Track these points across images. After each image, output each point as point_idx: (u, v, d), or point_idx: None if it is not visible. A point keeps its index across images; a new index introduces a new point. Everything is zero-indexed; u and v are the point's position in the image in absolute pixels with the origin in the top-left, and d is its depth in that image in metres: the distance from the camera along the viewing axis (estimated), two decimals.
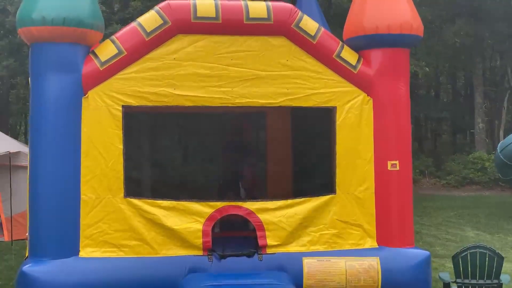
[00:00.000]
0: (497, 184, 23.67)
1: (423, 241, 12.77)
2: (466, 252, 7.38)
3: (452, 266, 7.48)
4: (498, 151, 16.64)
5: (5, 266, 10.58)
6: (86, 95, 6.88)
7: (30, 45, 6.95)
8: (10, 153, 12.58)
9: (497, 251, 7.41)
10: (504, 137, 20.94)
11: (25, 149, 12.69)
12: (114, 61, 6.88)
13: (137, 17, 7.22)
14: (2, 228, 13.40)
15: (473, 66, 28.71)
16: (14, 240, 11.70)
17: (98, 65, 6.87)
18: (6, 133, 19.38)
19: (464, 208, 18.33)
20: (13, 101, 27.45)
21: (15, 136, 28.54)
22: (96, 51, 6.98)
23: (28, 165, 7.08)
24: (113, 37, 7.08)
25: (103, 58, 6.88)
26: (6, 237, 13.00)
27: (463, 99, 35.28)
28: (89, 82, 6.87)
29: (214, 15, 7.00)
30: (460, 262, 7.37)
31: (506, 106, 29.65)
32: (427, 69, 23.39)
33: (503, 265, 7.43)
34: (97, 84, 6.89)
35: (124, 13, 20.30)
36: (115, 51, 6.90)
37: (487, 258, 7.33)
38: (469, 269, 7.35)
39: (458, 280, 7.38)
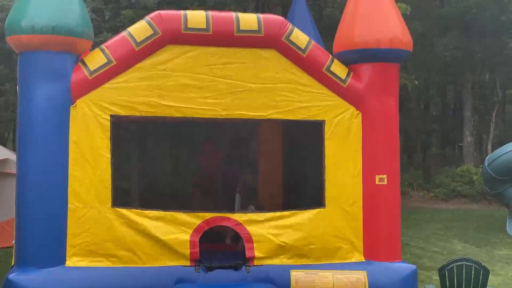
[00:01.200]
0: (484, 197, 23.75)
1: (410, 253, 12.78)
2: (453, 265, 7.39)
3: (439, 278, 7.49)
4: (486, 164, 16.70)
5: None
6: (75, 104, 6.86)
7: (18, 53, 6.93)
8: None
9: (483, 264, 7.43)
10: (492, 151, 21.03)
11: (13, 156, 12.61)
12: (103, 70, 6.87)
13: (129, 26, 7.22)
14: None
15: (463, 80, 28.86)
16: (0, 248, 11.61)
17: (87, 74, 6.86)
18: None
19: (452, 221, 18.39)
20: (1, 107, 27.28)
21: (3, 143, 28.33)
22: (85, 59, 6.96)
23: (15, 173, 7.05)
24: (103, 46, 7.07)
25: (92, 67, 6.87)
26: None
27: (452, 112, 35.42)
28: (78, 91, 6.85)
29: (205, 26, 7.01)
30: (447, 275, 7.38)
31: (495, 120, 29.79)
32: (416, 82, 23.47)
33: (490, 278, 7.45)
34: (85, 93, 6.87)
35: (115, 22, 20.25)
36: (105, 60, 6.89)
37: (473, 271, 7.34)
38: (455, 282, 7.36)
39: None
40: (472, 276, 7.32)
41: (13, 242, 7.06)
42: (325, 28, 20.00)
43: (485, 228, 16.94)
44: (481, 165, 20.23)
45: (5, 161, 12.89)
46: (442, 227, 17.08)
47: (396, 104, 7.58)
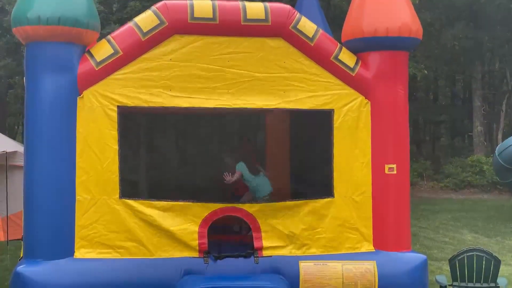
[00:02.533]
0: (495, 187, 23.64)
1: (420, 244, 12.73)
2: (463, 255, 7.35)
3: (449, 269, 7.45)
4: (496, 154, 16.61)
5: (0, 266, 10.53)
6: (81, 95, 6.84)
7: (25, 44, 6.91)
8: (6, 152, 12.52)
9: (494, 254, 7.39)
10: (503, 140, 20.90)
11: (21, 148, 12.62)
12: (109, 61, 6.84)
13: (135, 17, 7.18)
14: None
15: (472, 70, 28.68)
16: (10, 240, 11.64)
17: (94, 65, 6.83)
18: (4, 133, 19.34)
19: (462, 211, 18.30)
20: (11, 101, 27.36)
21: (13, 136, 28.47)
22: (92, 50, 6.93)
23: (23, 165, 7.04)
24: (109, 36, 7.03)
25: (98, 58, 6.84)
26: (2, 237, 12.94)
27: (461, 102, 35.26)
28: (85, 82, 6.82)
29: (211, 16, 6.96)
30: (457, 265, 7.35)
31: (505, 109, 29.60)
32: (425, 72, 23.33)
33: (500, 268, 7.40)
34: (92, 84, 6.85)
35: (122, 13, 20.24)
36: (111, 51, 6.85)
37: (484, 261, 7.30)
38: (466, 272, 7.32)
39: (455, 283, 7.35)
40: (483, 266, 7.28)
41: (22, 234, 7.05)
42: (333, 18, 19.90)
43: (496, 218, 16.85)
44: (491, 155, 20.13)
45: (14, 153, 12.91)
46: (452, 218, 17.00)
47: (405, 92, 7.50)
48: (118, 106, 6.90)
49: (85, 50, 6.95)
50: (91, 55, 6.88)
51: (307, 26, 7.20)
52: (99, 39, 7.23)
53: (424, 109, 31.24)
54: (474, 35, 26.26)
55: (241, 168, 8.26)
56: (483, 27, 26.49)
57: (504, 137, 24.07)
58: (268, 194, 8.31)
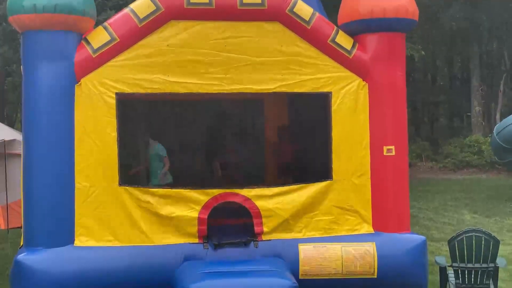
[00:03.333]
0: (493, 167, 23.66)
1: (419, 225, 12.77)
2: (462, 236, 7.37)
3: (448, 250, 7.48)
4: (495, 134, 16.61)
5: (1, 254, 10.57)
6: (79, 83, 6.83)
7: (21, 33, 6.88)
8: (5, 141, 12.51)
9: (493, 235, 7.40)
10: (501, 120, 20.89)
11: (20, 137, 12.59)
12: (106, 48, 6.82)
13: (132, 3, 7.15)
14: None
15: (469, 50, 28.62)
16: (10, 228, 11.68)
17: (91, 52, 6.81)
18: (3, 122, 19.31)
19: (461, 192, 18.34)
20: (9, 89, 27.33)
21: (11, 124, 28.41)
22: (89, 38, 6.91)
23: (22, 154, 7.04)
24: (106, 23, 7.01)
25: (95, 45, 6.82)
26: (2, 225, 12.98)
27: (459, 83, 35.20)
28: (82, 70, 6.81)
29: (208, 1, 6.93)
30: (456, 246, 7.36)
31: (503, 89, 29.55)
32: (423, 52, 23.27)
33: (500, 248, 7.43)
34: (90, 71, 6.84)
35: (119, 0, 20.13)
36: (108, 38, 6.83)
37: (483, 242, 7.32)
38: (465, 253, 7.34)
39: (454, 264, 7.37)
40: (482, 246, 7.30)
41: (22, 222, 7.07)
42: (330, 1, 19.78)
43: (495, 198, 16.89)
44: (490, 135, 20.13)
45: (12, 142, 12.91)
46: (451, 198, 17.04)
47: (403, 74, 7.50)
48: (116, 93, 6.89)
49: (81, 38, 6.93)
50: (88, 43, 6.86)
51: (304, 9, 7.18)
52: (96, 26, 7.20)
53: (422, 90, 31.21)
54: (471, 16, 26.15)
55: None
56: (481, 8, 26.38)
57: (502, 117, 24.06)
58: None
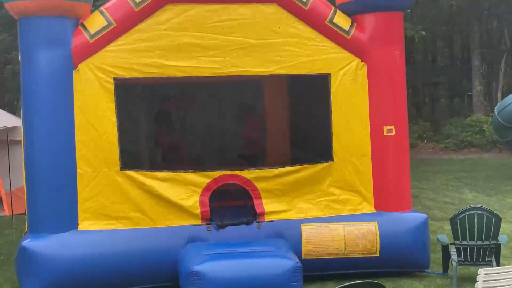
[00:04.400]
0: (495, 146, 23.62)
1: (421, 205, 12.78)
2: (464, 214, 7.38)
3: (450, 228, 7.49)
4: (496, 113, 16.58)
5: (6, 240, 10.61)
6: (77, 68, 6.83)
7: (18, 19, 6.88)
8: (7, 128, 12.53)
9: (494, 212, 7.42)
10: (502, 99, 20.85)
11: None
12: (103, 33, 6.82)
13: None
14: (2, 203, 13.43)
15: (469, 29, 28.48)
16: (14, 215, 11.71)
17: (88, 37, 6.81)
18: (3, 109, 19.29)
19: (462, 171, 18.32)
20: (9, 76, 27.29)
21: (12, 111, 28.41)
22: (85, 23, 6.90)
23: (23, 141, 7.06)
24: (102, 8, 7.00)
25: (92, 30, 6.82)
26: (6, 212, 13.02)
27: (460, 62, 35.05)
28: (79, 55, 6.81)
29: None
30: (458, 224, 7.38)
31: (504, 68, 29.44)
32: (423, 33, 23.16)
33: (501, 226, 7.45)
34: (87, 57, 6.84)
35: None
36: (105, 22, 6.83)
37: (484, 219, 7.33)
38: (467, 230, 7.36)
39: (456, 242, 7.39)
40: (484, 224, 7.31)
41: (25, 209, 7.11)
42: None
43: (496, 177, 16.89)
44: (491, 114, 20.11)
45: (14, 128, 12.92)
46: (453, 178, 17.04)
47: (402, 53, 7.49)
48: (114, 78, 6.89)
49: (78, 23, 6.92)
50: (85, 28, 6.85)
51: None
52: (92, 11, 7.18)
53: (422, 71, 31.05)
54: None
55: None
56: None
57: (503, 96, 24.00)
58: None
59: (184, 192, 7.02)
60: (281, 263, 6.44)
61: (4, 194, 13.08)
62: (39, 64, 6.75)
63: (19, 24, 6.88)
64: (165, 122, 9.67)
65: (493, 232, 7.30)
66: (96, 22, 6.86)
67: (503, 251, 8.00)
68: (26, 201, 7.05)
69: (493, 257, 7.23)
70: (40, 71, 6.75)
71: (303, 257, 7.01)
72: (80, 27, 6.87)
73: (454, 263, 7.17)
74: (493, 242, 7.28)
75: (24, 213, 7.44)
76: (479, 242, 7.30)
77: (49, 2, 6.58)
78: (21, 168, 8.66)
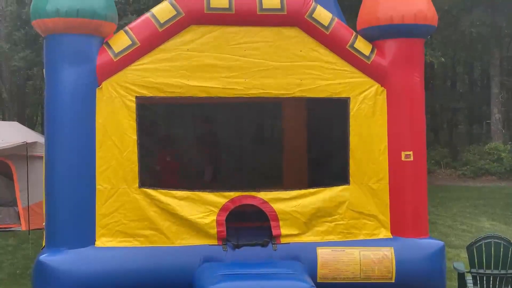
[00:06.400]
0: None
1: (438, 232, 12.73)
2: (481, 242, 7.35)
3: (467, 256, 7.46)
4: None
5: (23, 255, 10.71)
6: (100, 86, 6.92)
7: (44, 37, 7.00)
8: (27, 143, 12.68)
9: (511, 241, 7.38)
10: None
11: (41, 139, 12.78)
12: (127, 52, 6.91)
13: (152, 8, 7.24)
14: (19, 218, 13.55)
15: (489, 56, 28.44)
16: (31, 230, 11.82)
17: (112, 56, 6.91)
18: (23, 124, 19.54)
19: (479, 199, 18.22)
20: (29, 92, 27.67)
21: (32, 126, 28.74)
22: (110, 42, 7.01)
23: (43, 156, 7.15)
24: (127, 28, 7.10)
25: (116, 49, 6.92)
26: (23, 227, 13.15)
27: (479, 89, 35.00)
28: (103, 73, 6.90)
29: (227, 6, 7.00)
30: (475, 252, 7.35)
31: None
32: (443, 59, 23.17)
33: None
34: (111, 75, 6.93)
35: (140, 4, 20.31)
36: (129, 42, 6.93)
37: (501, 248, 7.30)
38: (484, 259, 7.32)
39: (473, 270, 7.36)
40: (501, 253, 7.28)
41: (44, 224, 7.17)
42: (349, 7, 19.81)
43: None
44: (510, 142, 20.00)
45: (34, 144, 13.09)
46: (470, 205, 16.94)
47: (422, 79, 7.51)
48: (136, 97, 6.98)
49: (103, 42, 7.03)
50: (109, 47, 6.96)
51: (323, 14, 7.23)
52: (117, 30, 7.30)
53: (441, 96, 31.05)
54: (492, 21, 26.00)
55: None
56: (501, 12, 26.22)
57: None
58: None
59: (201, 211, 7.05)
60: (296, 286, 6.41)
61: (22, 209, 13.21)
62: (63, 80, 6.84)
63: (45, 41, 6.99)
64: (185, 141, 9.74)
65: (510, 261, 7.26)
66: (121, 41, 6.96)
67: None
68: (45, 215, 7.12)
69: (509, 286, 7.18)
70: (64, 87, 6.84)
71: (318, 280, 6.99)
72: (104, 46, 6.98)
73: None
74: (510, 271, 7.24)
75: (42, 228, 7.52)
76: (495, 271, 7.26)
77: (77, 21, 6.69)
78: (38, 183, 8.78)
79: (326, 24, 7.19)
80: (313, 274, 6.97)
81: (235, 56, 7.11)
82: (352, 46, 7.28)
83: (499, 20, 26.18)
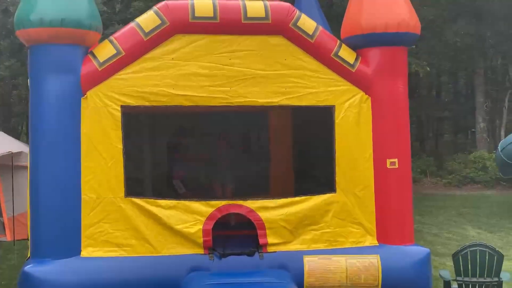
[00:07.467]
0: (498, 183, 23.66)
1: (424, 240, 12.77)
2: (466, 250, 7.40)
3: (453, 264, 7.49)
4: (499, 150, 16.65)
5: (8, 265, 10.63)
6: (85, 96, 6.91)
7: (28, 46, 6.98)
8: (12, 153, 12.61)
9: (497, 249, 7.42)
10: (505, 136, 20.92)
11: (26, 149, 12.69)
12: (112, 61, 6.91)
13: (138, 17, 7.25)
14: (4, 228, 13.45)
15: (474, 66, 28.68)
16: (16, 240, 11.74)
17: (97, 65, 6.90)
18: (8, 134, 19.41)
19: (465, 207, 18.32)
20: (14, 101, 27.54)
21: (16, 136, 28.56)
22: (95, 51, 7.00)
23: (28, 166, 7.12)
24: (112, 37, 7.10)
25: (101, 58, 6.91)
26: (8, 237, 13.05)
27: (464, 98, 35.25)
28: (88, 83, 6.89)
29: (212, 15, 7.02)
30: (461, 260, 7.39)
31: (507, 105, 29.60)
32: (428, 68, 23.35)
33: (504, 263, 7.45)
34: (96, 84, 6.91)
35: (126, 14, 20.33)
36: (114, 51, 6.92)
37: (487, 256, 7.35)
38: (470, 267, 7.36)
39: (459, 278, 7.39)
40: (486, 261, 7.32)
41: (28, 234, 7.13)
42: (336, 16, 19.92)
43: (499, 214, 16.88)
44: (494, 151, 20.14)
45: (19, 154, 13.01)
46: (455, 214, 17.03)
47: (405, 87, 7.56)
48: (121, 106, 6.96)
49: (87, 51, 7.02)
50: (94, 56, 6.95)
51: (307, 23, 7.27)
52: (102, 39, 7.29)
53: (426, 105, 31.25)
54: (476, 31, 26.23)
55: None
56: (486, 23, 26.47)
57: (507, 133, 24.10)
58: None
59: (187, 220, 7.03)
60: None
61: (7, 219, 13.12)
62: (48, 90, 6.82)
63: (29, 51, 6.97)
64: (170, 150, 9.71)
65: (495, 269, 7.31)
66: (105, 51, 6.95)
67: None
68: (29, 226, 7.07)
69: None
70: (49, 97, 6.81)
71: None
72: (89, 55, 6.97)
73: None
74: (495, 279, 7.28)
75: (27, 239, 7.47)
76: (481, 279, 7.30)
77: (62, 30, 6.67)
78: (24, 194, 8.72)
79: (310, 32, 7.23)
80: (300, 282, 6.97)
81: (220, 65, 7.12)
82: (336, 54, 7.32)
83: (483, 30, 26.42)
